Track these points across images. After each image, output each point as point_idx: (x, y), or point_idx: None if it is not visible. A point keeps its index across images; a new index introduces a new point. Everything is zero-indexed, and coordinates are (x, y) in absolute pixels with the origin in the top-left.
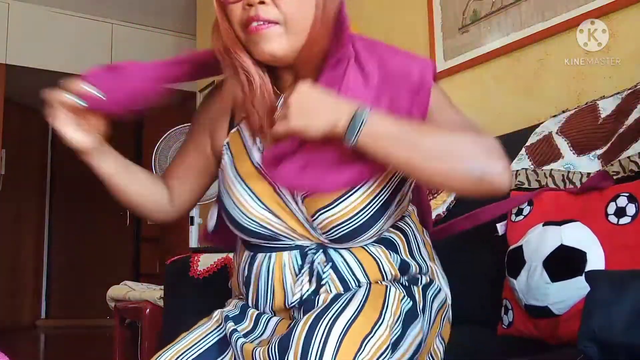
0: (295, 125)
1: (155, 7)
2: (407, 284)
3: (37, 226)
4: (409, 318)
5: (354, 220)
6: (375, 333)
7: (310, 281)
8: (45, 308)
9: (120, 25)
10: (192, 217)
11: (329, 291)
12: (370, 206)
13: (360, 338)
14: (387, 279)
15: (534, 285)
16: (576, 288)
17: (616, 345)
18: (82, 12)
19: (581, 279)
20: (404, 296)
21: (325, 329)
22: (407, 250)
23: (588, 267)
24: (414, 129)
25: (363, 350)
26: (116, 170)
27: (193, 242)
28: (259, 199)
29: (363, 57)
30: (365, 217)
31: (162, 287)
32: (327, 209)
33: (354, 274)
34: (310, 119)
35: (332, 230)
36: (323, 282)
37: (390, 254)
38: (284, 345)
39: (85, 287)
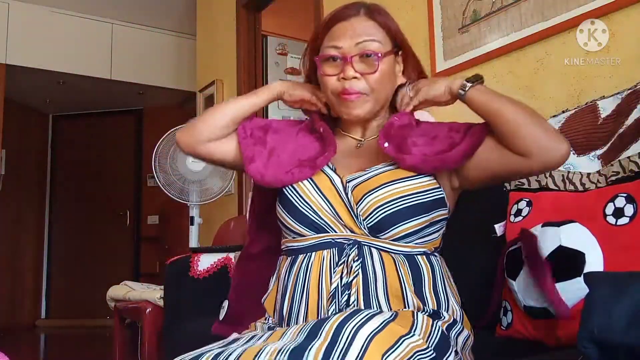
0: (423, 96)
1: (155, 7)
2: (430, 314)
3: (37, 226)
4: (443, 344)
5: (396, 204)
6: (404, 341)
7: (341, 277)
8: (45, 308)
9: (120, 25)
10: (192, 217)
11: (355, 305)
12: (412, 198)
13: (389, 344)
14: (409, 307)
15: (533, 286)
16: (575, 289)
17: (615, 346)
18: (82, 12)
19: (580, 280)
20: (433, 322)
21: (353, 328)
22: (431, 284)
23: (587, 268)
24: (510, 96)
25: (397, 348)
26: None
27: (193, 242)
28: (318, 187)
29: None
30: (407, 203)
31: (162, 287)
32: (373, 191)
33: (377, 296)
34: (432, 87)
35: (374, 213)
36: (353, 277)
37: (414, 285)
38: (302, 345)
39: (85, 287)
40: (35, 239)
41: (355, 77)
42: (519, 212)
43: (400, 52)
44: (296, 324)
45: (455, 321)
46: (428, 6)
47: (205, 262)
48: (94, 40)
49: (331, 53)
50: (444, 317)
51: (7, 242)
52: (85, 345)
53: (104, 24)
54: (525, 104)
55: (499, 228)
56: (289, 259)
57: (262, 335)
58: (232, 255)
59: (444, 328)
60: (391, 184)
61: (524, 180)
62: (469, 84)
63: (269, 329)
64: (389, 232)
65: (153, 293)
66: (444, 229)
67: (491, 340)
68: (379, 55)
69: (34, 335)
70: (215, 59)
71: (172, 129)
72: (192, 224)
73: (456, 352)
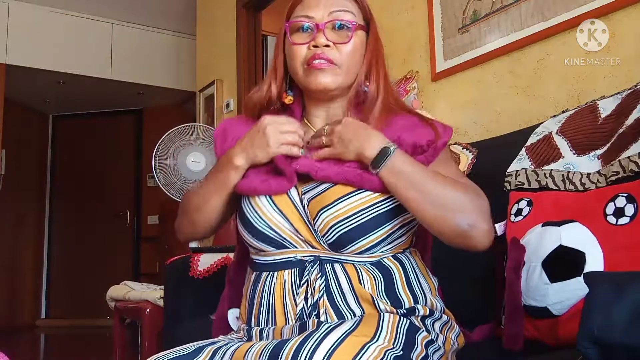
0: (335, 151)
1: (155, 7)
2: (404, 312)
3: (37, 226)
4: (410, 340)
5: (352, 220)
6: (369, 347)
7: (306, 298)
8: (45, 308)
9: (120, 25)
10: None
11: (327, 321)
12: (370, 210)
13: (351, 355)
14: (380, 310)
15: (533, 286)
16: (575, 289)
17: (615, 345)
18: (82, 12)
19: (580, 280)
20: (400, 318)
21: (309, 351)
22: (404, 282)
23: (587, 268)
24: (425, 176)
25: (363, 354)
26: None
27: (193, 242)
28: (274, 203)
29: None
30: (363, 218)
31: (162, 287)
32: (328, 207)
33: (348, 306)
34: (347, 146)
35: (331, 231)
36: (318, 296)
37: (386, 287)
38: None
39: (85, 287)
40: (35, 239)
41: (327, 45)
42: (519, 212)
43: (368, 33)
44: (266, 338)
45: (432, 312)
46: (428, 6)
47: (205, 262)
48: (94, 40)
49: (302, 21)
50: (419, 312)
51: (7, 242)
52: (85, 345)
53: (104, 24)
54: (442, 187)
55: (499, 228)
56: (254, 274)
57: (231, 347)
58: (232, 255)
59: (418, 321)
60: (347, 197)
61: (524, 180)
62: (374, 170)
63: (249, 331)
64: (349, 247)
65: (153, 293)
66: (415, 227)
67: (491, 340)
68: (353, 23)
69: (34, 335)
70: (215, 59)
71: (172, 129)
72: None
73: (432, 340)
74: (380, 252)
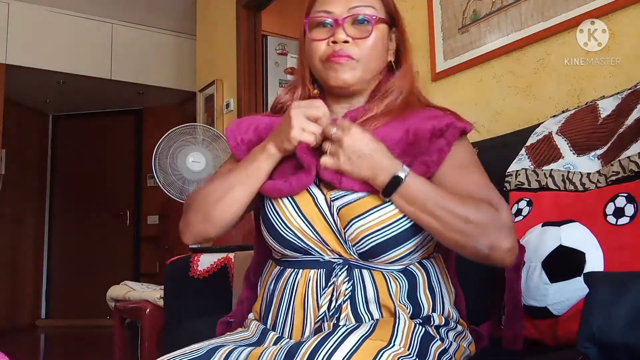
0: (342, 167)
1: (155, 7)
2: (420, 322)
3: (37, 226)
4: (424, 348)
5: (385, 232)
6: (383, 353)
7: (330, 301)
8: (45, 308)
9: (120, 25)
10: None
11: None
12: (402, 222)
13: (369, 358)
14: (397, 315)
15: (533, 286)
16: (575, 289)
17: (615, 346)
18: (82, 12)
19: (580, 280)
20: (416, 326)
21: (327, 354)
22: (426, 286)
23: (587, 268)
24: (439, 200)
25: None
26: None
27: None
28: (299, 209)
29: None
30: (395, 231)
31: (162, 287)
32: (360, 218)
33: (369, 311)
34: (356, 166)
35: (363, 241)
36: (342, 299)
37: (409, 292)
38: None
39: (85, 287)
40: (35, 239)
41: (346, 41)
42: (519, 212)
43: (394, 29)
44: (281, 334)
45: (447, 321)
46: (428, 6)
47: (205, 262)
48: (94, 40)
49: (322, 17)
50: (434, 321)
51: (7, 242)
52: (85, 345)
53: (104, 24)
54: (457, 211)
55: None
56: (277, 268)
57: (245, 349)
58: (232, 255)
59: (432, 330)
60: (377, 210)
61: (524, 180)
62: (385, 198)
63: (264, 330)
64: (381, 258)
65: (153, 293)
66: None
67: (491, 340)
68: (374, 17)
69: (34, 335)
70: (215, 59)
71: (172, 129)
72: None
73: (445, 350)
74: (409, 261)
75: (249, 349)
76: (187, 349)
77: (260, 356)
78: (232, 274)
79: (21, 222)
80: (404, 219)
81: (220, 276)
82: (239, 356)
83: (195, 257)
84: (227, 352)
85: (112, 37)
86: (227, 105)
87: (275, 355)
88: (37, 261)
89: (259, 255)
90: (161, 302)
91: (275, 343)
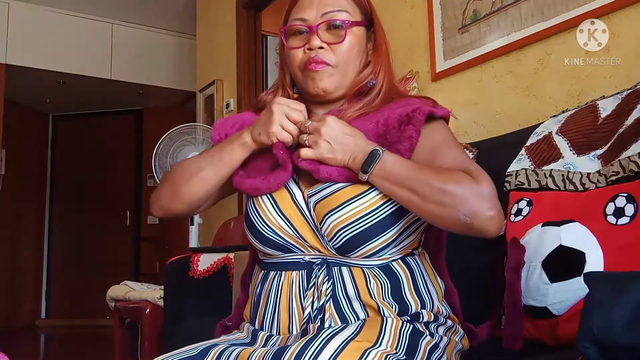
0: (323, 155)
1: (155, 7)
2: (408, 319)
3: (37, 226)
4: (412, 346)
5: (359, 224)
6: (370, 352)
7: (312, 302)
8: (45, 308)
9: (120, 25)
10: (192, 217)
11: (331, 326)
12: (377, 213)
13: (355, 358)
14: (384, 316)
15: (533, 286)
16: (575, 289)
17: (615, 346)
18: (82, 12)
19: (580, 280)
20: (403, 323)
21: (312, 356)
22: (412, 286)
23: (587, 268)
24: (416, 173)
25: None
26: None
27: (193, 242)
28: (277, 207)
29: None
30: (369, 222)
31: (162, 287)
32: (334, 211)
33: (353, 310)
34: (336, 151)
35: (337, 235)
36: (324, 299)
37: (392, 291)
38: None
39: (85, 287)
40: (35, 239)
41: (321, 47)
42: (519, 212)
43: (372, 29)
44: (270, 334)
45: (436, 317)
46: (428, 6)
47: (205, 262)
48: (94, 40)
49: (297, 25)
50: (423, 318)
51: (7, 242)
52: (85, 345)
53: (104, 24)
54: (435, 182)
55: None
56: (262, 272)
57: (235, 350)
58: (232, 255)
59: (422, 326)
60: (352, 202)
61: (524, 180)
62: (365, 176)
63: (254, 332)
64: (357, 252)
65: (153, 293)
66: (423, 225)
67: (491, 340)
68: (347, 22)
69: (34, 335)
70: (215, 59)
71: (172, 129)
72: (192, 224)
73: (436, 345)
74: (389, 255)
75: (240, 348)
76: (181, 349)
77: (249, 357)
78: (232, 274)
79: (21, 222)
80: (378, 210)
81: (220, 276)
82: (229, 356)
83: (195, 257)
84: (219, 351)
85: (112, 37)
86: (227, 105)
87: (263, 358)
88: (37, 261)
89: (253, 257)
90: (161, 302)
91: (265, 342)
